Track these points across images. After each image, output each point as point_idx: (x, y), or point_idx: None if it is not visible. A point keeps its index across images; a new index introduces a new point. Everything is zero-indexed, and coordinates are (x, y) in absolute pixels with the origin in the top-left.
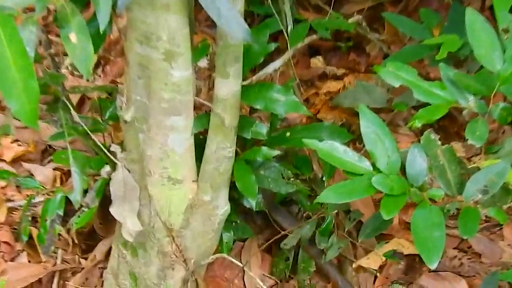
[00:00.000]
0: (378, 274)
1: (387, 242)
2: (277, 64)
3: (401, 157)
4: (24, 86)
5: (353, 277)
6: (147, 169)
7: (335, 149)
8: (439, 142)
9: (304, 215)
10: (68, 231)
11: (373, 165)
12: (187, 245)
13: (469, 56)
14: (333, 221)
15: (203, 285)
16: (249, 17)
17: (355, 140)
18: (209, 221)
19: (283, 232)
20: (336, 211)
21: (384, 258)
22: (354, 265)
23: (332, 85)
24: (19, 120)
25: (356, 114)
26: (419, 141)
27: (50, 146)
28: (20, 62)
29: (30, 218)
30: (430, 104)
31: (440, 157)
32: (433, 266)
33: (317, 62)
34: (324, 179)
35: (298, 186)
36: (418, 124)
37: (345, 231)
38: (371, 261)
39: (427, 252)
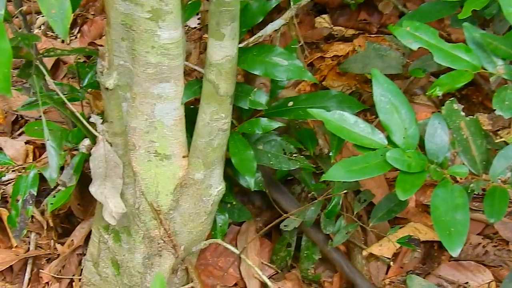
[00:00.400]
0: (391, 263)
1: (401, 227)
2: (277, 23)
3: (420, 129)
4: None
5: (363, 266)
6: (132, 143)
7: (345, 120)
8: (463, 113)
9: (309, 195)
10: (42, 212)
11: (388, 138)
12: (176, 229)
13: (496, 15)
14: (341, 202)
15: (194, 274)
16: None
17: (366, 111)
18: (201, 202)
19: (284, 215)
20: (344, 191)
21: (398, 245)
22: (364, 253)
23: (339, 48)
24: None
25: (367, 81)
26: (439, 112)
27: (21, 116)
28: None
29: None
30: (453, 70)
31: (463, 130)
32: (455, 254)
33: (323, 21)
34: (330, 155)
35: (301, 163)
36: (438, 92)
37: (355, 214)
38: (384, 249)
39: (449, 238)
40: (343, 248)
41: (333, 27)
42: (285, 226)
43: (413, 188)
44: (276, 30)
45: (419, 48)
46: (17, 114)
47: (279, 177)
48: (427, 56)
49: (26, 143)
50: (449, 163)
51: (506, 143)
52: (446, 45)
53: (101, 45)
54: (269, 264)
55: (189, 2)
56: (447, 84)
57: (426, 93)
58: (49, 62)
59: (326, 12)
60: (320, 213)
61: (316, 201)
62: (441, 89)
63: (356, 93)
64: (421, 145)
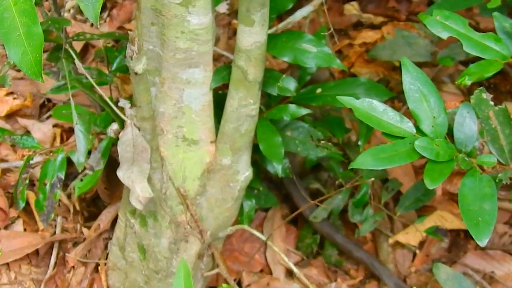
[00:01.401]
0: (417, 251)
1: (428, 216)
2: (306, 10)
3: (448, 118)
4: (26, 32)
5: (389, 254)
6: (160, 128)
7: (374, 108)
8: (492, 103)
9: (336, 183)
10: (69, 196)
11: (417, 127)
12: (203, 214)
13: None
14: (369, 191)
15: (220, 259)
16: None
17: (393, 99)
18: (228, 188)
19: (311, 202)
20: (372, 179)
21: (424, 234)
22: (390, 241)
23: (368, 35)
24: (15, 70)
25: (395, 68)
26: (468, 101)
27: (49, 100)
28: (22, 5)
29: (27, 182)
30: (482, 59)
31: (492, 120)
32: (482, 243)
33: (352, 8)
34: (359, 144)
35: (330, 150)
36: (468, 81)
37: (382, 202)
38: (410, 237)
39: (476, 227)
40: (369, 235)
41: (362, 14)
42: (314, 217)
43: (441, 177)
44: (305, 17)
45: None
46: (45, 98)
47: (308, 165)
48: (455, 44)
49: (53, 126)
50: (477, 153)
51: None
52: (475, 35)
53: (130, 30)
54: (295, 251)
55: None
56: (476, 74)
57: (455, 82)
58: (78, 46)
59: None
60: (347, 202)
61: (343, 188)
62: (470, 78)
63: (383, 80)
64: (450, 134)
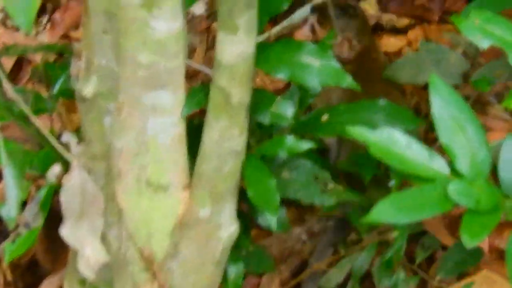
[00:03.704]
0: None
1: (472, 280)
2: (307, 10)
3: (493, 153)
4: None
5: None
6: (117, 169)
7: (395, 141)
8: None
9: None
10: None
11: (451, 165)
12: (175, 283)
13: None
14: (403, 247)
15: None
16: None
17: (427, 128)
18: (208, 247)
19: (317, 265)
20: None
21: None
22: None
23: (390, 43)
24: None
25: (427, 86)
26: None
27: None
28: None
29: None
30: None
31: None
32: None
33: (369, 7)
34: (391, 183)
35: (340, 195)
36: None
37: (416, 263)
38: None
39: None
40: None
41: (382, 15)
42: (325, 282)
43: (483, 232)
44: (306, 19)
45: (489, 46)
46: None
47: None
48: (498, 61)
49: None
50: None
51: None
52: None
53: (77, 39)
54: None
55: None
56: None
57: (502, 104)
58: (8, 62)
59: None
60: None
61: (366, 244)
62: None
63: (412, 103)
64: (494, 175)
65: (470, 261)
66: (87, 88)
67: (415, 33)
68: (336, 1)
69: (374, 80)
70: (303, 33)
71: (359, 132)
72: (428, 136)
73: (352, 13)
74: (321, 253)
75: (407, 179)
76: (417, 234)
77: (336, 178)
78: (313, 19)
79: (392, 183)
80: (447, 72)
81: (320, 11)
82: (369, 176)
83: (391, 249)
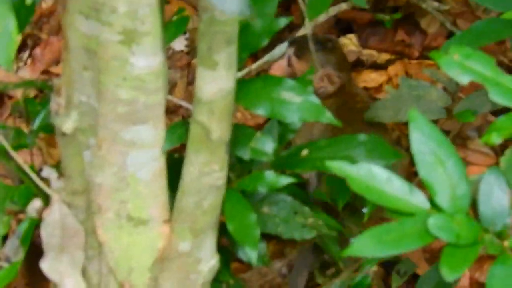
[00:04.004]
0: None
1: None
2: (286, 45)
3: (472, 188)
4: None
5: None
6: (97, 204)
7: (374, 175)
8: None
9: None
10: None
11: (431, 200)
12: None
13: None
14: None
15: None
16: None
17: (411, 162)
18: (188, 281)
19: None
20: (380, 261)
21: None
22: None
23: (370, 78)
24: None
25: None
26: (498, 163)
27: None
28: None
29: None
30: None
31: None
32: None
33: (349, 43)
34: (364, 210)
35: (320, 230)
36: (496, 139)
37: None
38: None
39: None
40: None
41: (362, 51)
42: None
43: (463, 265)
44: (289, 47)
45: (470, 82)
46: None
47: None
48: (479, 92)
49: None
50: (510, 232)
51: None
52: (506, 78)
53: (57, 74)
54: None
55: (174, 19)
56: (507, 129)
57: (482, 139)
58: None
59: (352, 31)
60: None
61: (344, 273)
62: (499, 135)
63: (393, 137)
64: (474, 209)
65: (447, 286)
66: (67, 124)
67: (395, 69)
68: (315, 35)
69: (355, 115)
70: (280, 66)
71: (338, 167)
72: (412, 169)
73: (331, 47)
74: (297, 282)
75: (388, 214)
76: (393, 261)
77: (316, 211)
78: (290, 52)
79: (365, 210)
80: (428, 108)
81: (298, 45)
82: (342, 202)
83: (361, 277)
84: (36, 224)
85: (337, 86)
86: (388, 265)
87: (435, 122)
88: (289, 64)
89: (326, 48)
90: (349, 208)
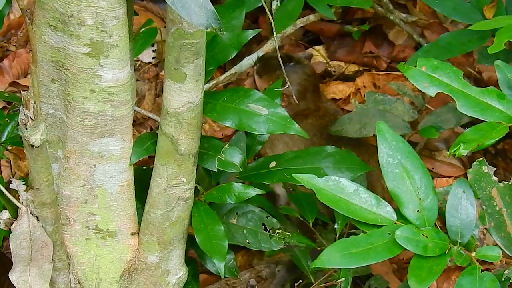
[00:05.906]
0: None
1: None
2: (255, 57)
3: (439, 200)
4: None
5: None
6: (65, 216)
7: (342, 188)
8: (495, 178)
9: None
10: None
11: (398, 212)
12: None
13: None
14: None
15: None
16: None
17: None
18: None
19: None
20: (352, 276)
21: None
22: None
23: (338, 90)
24: None
25: None
26: (465, 175)
27: None
28: None
29: None
30: (482, 122)
31: (496, 200)
32: None
33: (317, 55)
34: (336, 226)
35: (288, 240)
36: (463, 151)
37: None
38: None
39: None
40: None
41: (330, 62)
42: None
43: (431, 276)
44: (254, 66)
45: (437, 94)
46: None
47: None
48: (444, 108)
49: None
50: (477, 244)
51: None
52: (473, 90)
53: (26, 86)
54: None
55: (142, 31)
56: (474, 141)
57: (449, 151)
58: None
59: (320, 42)
60: None
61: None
62: (466, 147)
63: (362, 148)
64: (441, 221)
65: None
66: (35, 136)
67: (363, 80)
68: (282, 53)
69: (324, 128)
70: (247, 85)
71: (306, 179)
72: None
73: (299, 60)
74: None
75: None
76: (364, 277)
77: (286, 222)
78: (253, 71)
79: (336, 225)
80: (394, 123)
81: (262, 62)
82: (312, 217)
83: None
84: (5, 236)
85: (305, 100)
86: (359, 282)
87: (403, 135)
88: (253, 83)
89: (294, 61)
90: (322, 223)
